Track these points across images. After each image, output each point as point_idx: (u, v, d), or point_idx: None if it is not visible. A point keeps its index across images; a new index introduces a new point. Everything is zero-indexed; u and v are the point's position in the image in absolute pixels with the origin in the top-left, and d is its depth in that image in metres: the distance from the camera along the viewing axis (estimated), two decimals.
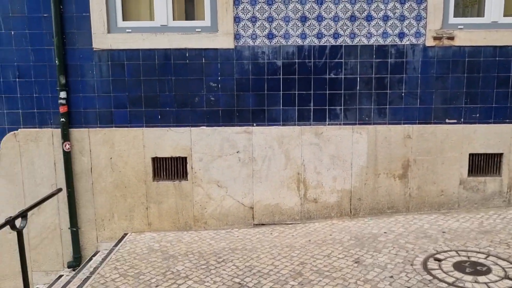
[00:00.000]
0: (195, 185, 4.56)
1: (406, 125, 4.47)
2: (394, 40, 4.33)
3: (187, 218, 4.61)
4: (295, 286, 3.29)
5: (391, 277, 3.33)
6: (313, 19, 4.31)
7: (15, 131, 4.47)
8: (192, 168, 4.54)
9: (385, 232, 4.18)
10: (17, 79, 4.39)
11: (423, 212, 4.60)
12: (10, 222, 2.99)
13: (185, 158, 4.54)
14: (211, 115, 4.46)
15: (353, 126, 4.47)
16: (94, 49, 4.34)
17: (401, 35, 4.32)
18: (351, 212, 4.62)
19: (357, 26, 4.32)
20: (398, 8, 4.29)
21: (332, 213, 4.62)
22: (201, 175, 4.54)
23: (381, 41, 4.33)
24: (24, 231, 4.53)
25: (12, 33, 4.31)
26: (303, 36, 4.33)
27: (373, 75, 4.38)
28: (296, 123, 4.48)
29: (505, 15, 4.36)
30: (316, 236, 4.26)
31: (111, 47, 4.34)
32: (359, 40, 4.34)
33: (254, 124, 4.49)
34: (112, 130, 4.47)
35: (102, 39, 4.32)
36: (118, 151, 4.50)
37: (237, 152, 4.52)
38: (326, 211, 4.62)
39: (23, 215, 3.05)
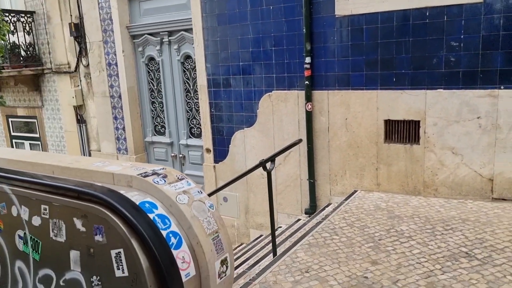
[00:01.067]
0: (427, 150, 4.45)
1: None
2: None
3: (416, 183, 4.57)
4: None
5: None
6: None
7: (270, 93, 5.30)
8: (425, 132, 4.43)
9: None
10: (272, 48, 5.16)
11: None
12: (263, 163, 3.69)
13: (418, 121, 4.46)
14: (449, 77, 4.21)
15: None
16: (336, 16, 4.67)
17: None
18: None
19: None
20: None
21: None
22: (434, 140, 4.39)
23: None
24: (272, 178, 5.40)
25: (271, 8, 5.05)
26: None
27: None
28: None
29: None
30: None
31: (351, 13, 4.57)
32: None
33: (502, 87, 4.01)
34: (348, 92, 4.78)
35: (344, 5, 4.60)
36: (352, 113, 4.79)
37: (478, 117, 4.15)
38: None
39: (272, 159, 3.71)
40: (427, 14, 4.21)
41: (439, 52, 4.23)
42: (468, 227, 3.70)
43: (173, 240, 1.77)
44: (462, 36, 4.10)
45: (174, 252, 1.74)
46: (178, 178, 1.99)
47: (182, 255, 1.77)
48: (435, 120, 4.36)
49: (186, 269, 1.76)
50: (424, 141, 4.46)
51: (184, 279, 1.73)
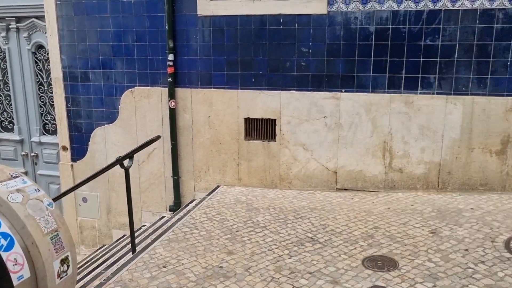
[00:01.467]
0: (282, 146, 4.82)
1: (509, 97, 4.13)
2: (502, 3, 3.97)
3: (273, 177, 4.92)
4: (364, 246, 3.40)
5: (466, 250, 3.24)
6: None
7: (132, 89, 5.16)
8: (280, 130, 4.79)
9: (471, 208, 4.01)
10: (135, 43, 5.04)
11: None
12: (120, 161, 3.59)
13: (275, 120, 4.80)
14: (300, 79, 4.63)
15: (447, 96, 4.27)
16: (199, 15, 4.76)
17: None
18: (438, 185, 4.48)
19: None
20: None
21: (417, 185, 4.53)
22: (288, 137, 4.78)
23: (487, 5, 4.01)
24: (136, 175, 5.29)
25: (132, 1, 4.92)
26: (399, 0, 4.21)
27: (475, 42, 4.10)
28: (386, 90, 4.42)
29: None
30: (396, 205, 4.25)
31: (213, 14, 4.71)
32: (462, 4, 4.07)
33: (343, 90, 4.54)
34: (211, 90, 4.91)
35: (206, 6, 4.71)
36: (215, 110, 4.94)
37: (324, 117, 4.64)
38: (412, 182, 4.54)
39: (130, 156, 3.63)
40: (281, 20, 4.55)
41: (292, 57, 4.61)
42: (315, 215, 4.12)
43: (3, 242, 1.64)
44: (311, 43, 4.53)
45: (4, 255, 1.62)
46: (11, 176, 1.84)
47: (14, 257, 1.65)
48: (289, 118, 4.74)
49: (19, 272, 1.64)
50: (280, 138, 4.81)
51: (16, 282, 1.61)
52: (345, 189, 4.76)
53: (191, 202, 5.11)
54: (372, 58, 4.39)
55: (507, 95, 4.13)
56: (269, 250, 3.43)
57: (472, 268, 2.97)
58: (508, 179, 4.28)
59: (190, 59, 4.90)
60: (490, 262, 3.05)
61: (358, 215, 4.06)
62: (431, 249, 3.29)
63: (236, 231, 3.81)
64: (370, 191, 4.67)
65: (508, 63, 4.07)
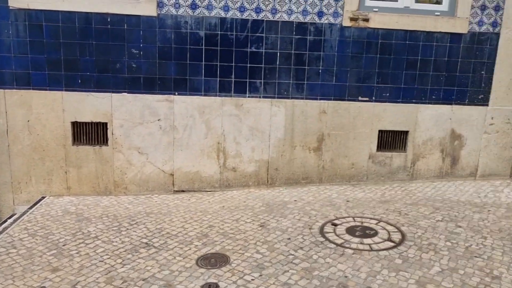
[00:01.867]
0: (115, 150, 4.61)
1: (322, 101, 4.71)
2: (313, 18, 4.51)
3: (107, 183, 4.67)
4: (198, 246, 3.48)
5: (289, 238, 3.58)
6: None
7: None
8: (112, 134, 4.57)
9: (295, 200, 4.45)
10: None
11: (334, 183, 4.91)
12: None
13: (106, 123, 4.56)
14: (132, 82, 4.49)
15: (271, 99, 4.66)
16: (11, 8, 4.22)
17: (320, 14, 4.51)
18: (268, 181, 4.85)
19: (278, 2, 4.46)
20: None
21: (250, 182, 4.83)
22: (122, 141, 4.59)
23: (301, 19, 4.51)
24: None
25: None
26: (226, 8, 4.42)
27: (293, 51, 4.56)
28: (218, 94, 4.60)
29: (416, 1, 4.66)
30: (231, 202, 4.46)
31: (28, 7, 4.23)
32: (280, 16, 4.49)
33: (176, 93, 4.57)
34: (29, 92, 4.40)
35: None
36: (36, 114, 4.45)
37: (158, 120, 4.59)
38: (244, 180, 4.82)
39: None
40: (109, 20, 4.34)
41: (122, 58, 4.43)
42: (151, 219, 4.04)
43: None
44: (141, 45, 4.43)
45: None
46: None
47: None
48: (121, 122, 4.56)
49: None
50: (113, 142, 4.59)
51: None
52: (183, 191, 4.80)
53: (9, 217, 4.48)
54: (204, 62, 4.52)
55: (320, 99, 4.70)
56: (100, 261, 3.24)
57: (293, 255, 3.30)
58: (324, 172, 4.88)
59: (1, 56, 4.31)
60: (307, 247, 3.43)
61: (194, 215, 4.13)
62: (260, 241, 3.54)
63: (63, 245, 3.50)
64: (207, 191, 4.80)
65: (320, 71, 4.64)
